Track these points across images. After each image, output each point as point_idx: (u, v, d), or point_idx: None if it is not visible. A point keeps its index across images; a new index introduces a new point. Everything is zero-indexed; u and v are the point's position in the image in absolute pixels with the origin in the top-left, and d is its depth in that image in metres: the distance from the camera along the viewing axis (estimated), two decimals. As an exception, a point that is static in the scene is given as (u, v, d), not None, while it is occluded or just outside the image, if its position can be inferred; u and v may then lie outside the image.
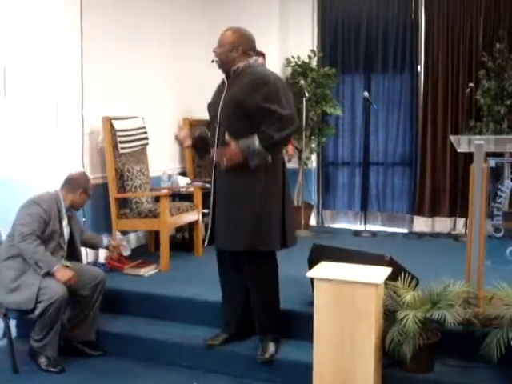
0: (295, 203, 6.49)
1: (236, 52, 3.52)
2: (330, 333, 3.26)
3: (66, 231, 4.06)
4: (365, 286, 3.17)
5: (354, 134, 7.15)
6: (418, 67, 6.78)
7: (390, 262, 3.55)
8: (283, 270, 3.72)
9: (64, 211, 4.01)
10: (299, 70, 6.85)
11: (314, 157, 7.17)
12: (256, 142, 3.32)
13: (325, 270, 3.41)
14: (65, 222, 4.03)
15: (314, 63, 6.90)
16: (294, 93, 6.39)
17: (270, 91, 3.38)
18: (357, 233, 6.65)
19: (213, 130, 3.55)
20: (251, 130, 3.36)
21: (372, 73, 7.01)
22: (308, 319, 3.39)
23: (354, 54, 7.04)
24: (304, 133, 6.53)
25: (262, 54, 5.91)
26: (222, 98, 3.50)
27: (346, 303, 3.20)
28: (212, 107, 3.61)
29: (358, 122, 7.11)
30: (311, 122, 6.68)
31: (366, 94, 6.49)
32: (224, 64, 3.55)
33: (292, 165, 6.51)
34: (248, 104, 3.38)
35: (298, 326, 3.79)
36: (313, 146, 6.88)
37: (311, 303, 3.37)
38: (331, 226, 7.31)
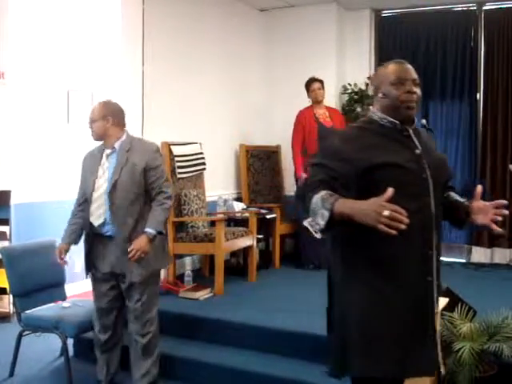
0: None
1: None
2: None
3: (106, 175, 3.51)
4: (420, 316, 3.12)
5: (411, 162, 7.06)
6: (477, 94, 6.70)
7: (446, 293, 3.50)
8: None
9: (104, 149, 3.56)
10: (355, 97, 6.85)
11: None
12: None
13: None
14: (103, 162, 3.53)
15: (370, 90, 6.88)
16: (351, 120, 6.42)
17: None
18: (413, 262, 6.53)
19: (422, 210, 2.33)
20: None
21: (430, 100, 6.95)
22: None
23: (411, 82, 6.99)
24: (360, 160, 6.48)
25: (320, 81, 5.96)
26: (426, 163, 2.40)
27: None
28: (414, 179, 2.35)
29: (415, 149, 7.03)
30: (367, 149, 6.62)
31: (424, 121, 6.27)
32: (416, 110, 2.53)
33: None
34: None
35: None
36: (369, 172, 6.80)
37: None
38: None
